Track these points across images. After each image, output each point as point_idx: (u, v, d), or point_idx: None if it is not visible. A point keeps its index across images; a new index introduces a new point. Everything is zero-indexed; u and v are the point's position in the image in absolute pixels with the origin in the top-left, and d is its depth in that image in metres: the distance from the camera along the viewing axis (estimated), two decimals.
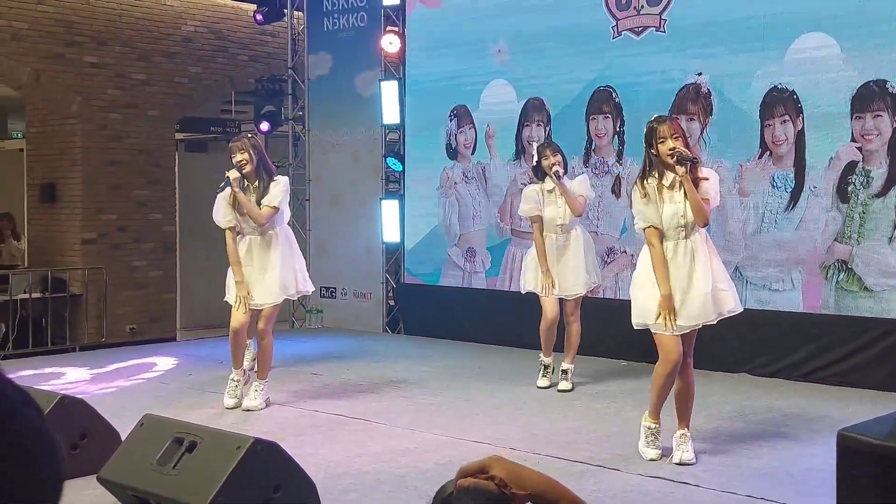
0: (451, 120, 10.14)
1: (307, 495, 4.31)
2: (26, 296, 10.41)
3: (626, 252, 8.73)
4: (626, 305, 8.59)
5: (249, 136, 6.77)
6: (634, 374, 7.74)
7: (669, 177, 5.24)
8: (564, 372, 7.42)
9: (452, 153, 10.18)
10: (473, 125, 9.96)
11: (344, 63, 11.15)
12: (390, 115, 10.52)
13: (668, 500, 4.75)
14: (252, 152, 6.56)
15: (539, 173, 7.25)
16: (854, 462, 2.35)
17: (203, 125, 14.61)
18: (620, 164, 8.82)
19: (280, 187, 6.61)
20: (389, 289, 10.79)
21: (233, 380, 6.87)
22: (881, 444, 2.31)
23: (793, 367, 7.62)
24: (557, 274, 7.22)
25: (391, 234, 10.52)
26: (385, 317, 10.80)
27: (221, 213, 6.73)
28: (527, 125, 9.52)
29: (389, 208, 10.52)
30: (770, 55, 7.83)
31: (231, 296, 6.79)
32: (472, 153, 10.00)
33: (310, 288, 7.07)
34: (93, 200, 10.97)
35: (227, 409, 6.74)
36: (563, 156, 7.19)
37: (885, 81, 7.21)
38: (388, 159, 10.64)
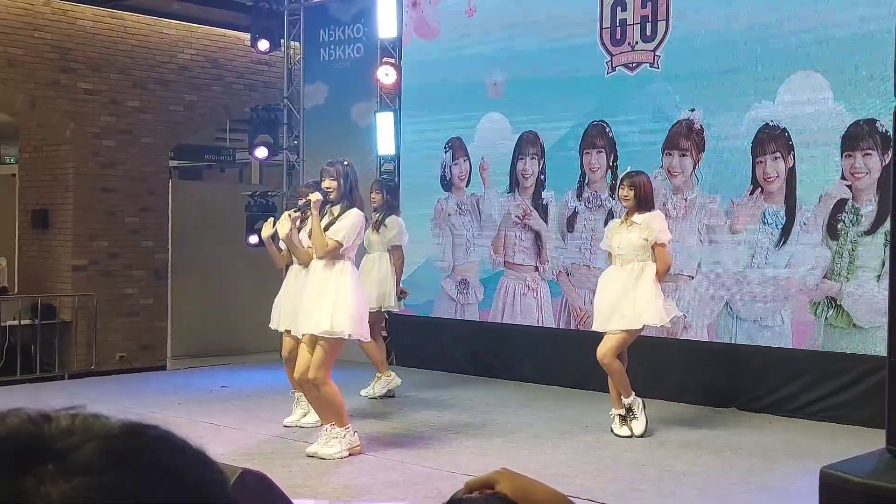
0: (445, 152, 10.19)
1: None
2: (15, 322, 10.37)
3: None
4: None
5: (346, 162, 6.46)
6: None
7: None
8: (621, 417, 6.97)
9: (447, 185, 10.21)
10: (468, 157, 10.00)
11: (340, 93, 11.20)
12: (385, 146, 10.55)
13: None
14: (342, 181, 6.34)
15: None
16: (837, 499, 2.36)
17: (197, 153, 14.66)
18: (613, 199, 8.86)
19: (348, 221, 6.25)
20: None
21: (325, 428, 6.39)
22: (863, 481, 2.32)
23: (782, 402, 7.62)
24: (597, 305, 7.09)
25: None
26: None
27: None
28: (521, 158, 9.56)
29: None
30: (762, 93, 7.89)
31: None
32: (467, 185, 10.03)
33: (360, 337, 6.42)
34: (85, 227, 10.97)
35: (308, 455, 6.30)
36: (635, 189, 6.87)
37: (874, 120, 7.27)
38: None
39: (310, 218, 6.35)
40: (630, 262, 6.84)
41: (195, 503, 0.74)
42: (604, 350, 6.82)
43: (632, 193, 6.84)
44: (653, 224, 6.81)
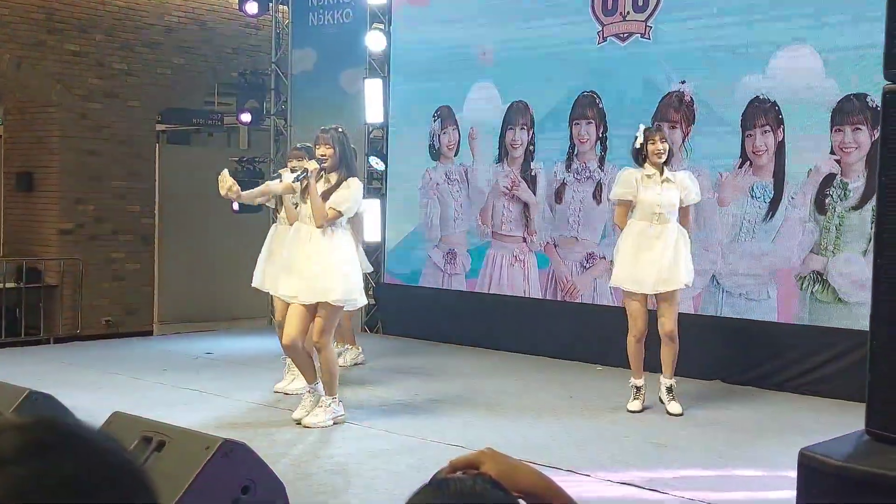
0: (434, 120, 10.13)
1: (276, 496, 4.29)
2: (0, 285, 10.32)
3: (604, 258, 8.74)
4: (602, 310, 8.66)
5: (339, 129, 6.40)
6: (610, 379, 7.75)
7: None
8: (669, 390, 6.75)
9: (435, 154, 10.17)
10: (457, 127, 9.95)
11: (328, 59, 11.12)
12: (374, 113, 10.49)
13: None
14: (337, 148, 6.25)
15: (640, 157, 6.69)
16: (814, 481, 2.36)
17: (185, 117, 14.54)
18: (602, 171, 8.83)
19: (349, 192, 6.20)
20: (369, 288, 10.76)
21: (310, 391, 6.40)
22: (841, 464, 2.32)
23: (766, 375, 7.65)
24: (643, 268, 6.59)
25: (372, 233, 10.48)
26: (364, 316, 10.77)
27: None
28: (510, 128, 9.52)
29: (371, 208, 10.48)
30: (753, 66, 7.85)
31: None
32: (455, 155, 9.99)
33: (355, 303, 6.41)
34: (70, 190, 10.89)
35: (293, 420, 6.32)
36: (668, 143, 6.69)
37: (865, 95, 7.25)
38: (371, 158, 10.61)
39: (307, 186, 6.24)
40: (668, 221, 6.58)
41: (113, 480, 0.87)
42: (673, 320, 6.60)
43: (666, 147, 6.62)
44: (686, 183, 6.68)
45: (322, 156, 6.23)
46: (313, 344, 6.25)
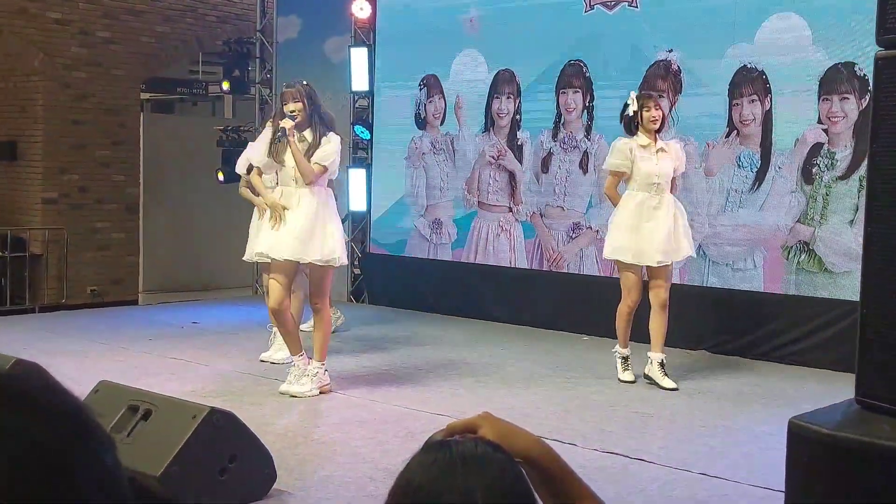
0: (420, 89, 10.08)
1: (263, 465, 4.30)
2: None
3: (591, 227, 8.74)
4: (588, 280, 8.67)
5: (305, 83, 6.27)
6: (595, 349, 7.77)
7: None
8: (661, 365, 6.61)
9: (421, 123, 10.12)
10: (443, 95, 9.90)
11: (313, 27, 11.02)
12: (359, 82, 10.43)
13: (624, 476, 4.78)
14: (306, 101, 6.12)
15: (633, 125, 6.55)
16: (804, 450, 2.36)
17: (169, 86, 14.42)
18: (589, 140, 8.81)
19: (332, 146, 6.13)
20: (355, 258, 10.74)
21: (294, 365, 6.30)
22: (831, 433, 2.33)
23: (752, 345, 7.68)
24: (645, 239, 6.48)
25: (358, 202, 10.46)
26: (350, 285, 10.76)
27: (259, 151, 6.30)
28: (496, 97, 9.47)
29: (356, 177, 10.45)
30: (741, 34, 7.83)
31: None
32: (441, 124, 9.95)
33: (338, 260, 6.25)
34: (54, 160, 10.80)
35: (280, 393, 6.25)
36: (662, 111, 6.59)
37: (853, 64, 7.23)
38: (356, 127, 10.56)
39: (287, 147, 6.14)
40: (664, 191, 6.50)
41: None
42: (667, 290, 6.52)
43: (660, 114, 6.52)
44: (679, 153, 6.64)
45: (291, 111, 6.08)
46: (311, 305, 6.29)
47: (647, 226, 6.49)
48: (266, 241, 6.25)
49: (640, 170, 6.48)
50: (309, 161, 6.09)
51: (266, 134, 6.46)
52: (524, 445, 1.35)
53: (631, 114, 6.53)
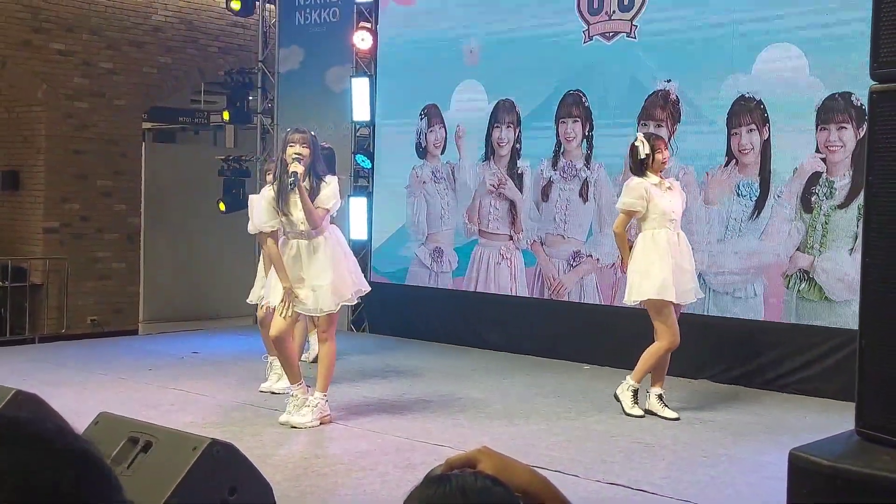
0: (421, 119, 10.13)
1: (263, 498, 4.27)
2: None
3: (591, 256, 8.75)
4: (588, 309, 8.67)
5: (313, 133, 6.33)
6: (596, 379, 7.76)
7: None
8: (660, 398, 6.64)
9: (422, 152, 10.16)
10: (444, 125, 9.95)
11: (315, 57, 11.09)
12: (360, 111, 10.48)
13: None
14: (312, 149, 6.17)
15: (643, 166, 6.54)
16: (805, 482, 2.36)
17: (171, 115, 14.50)
18: (588, 169, 8.84)
19: (331, 189, 6.19)
20: None
21: (293, 395, 6.31)
22: (832, 465, 2.33)
23: (752, 374, 7.67)
24: (681, 277, 6.49)
25: (359, 231, 10.48)
26: (350, 315, 10.76)
27: (266, 215, 6.24)
28: (497, 127, 9.52)
29: (357, 206, 10.48)
30: (738, 65, 7.87)
31: (274, 298, 6.26)
32: (442, 153, 9.99)
33: (366, 287, 6.47)
34: (56, 189, 10.85)
35: (281, 424, 6.25)
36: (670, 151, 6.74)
37: (850, 94, 7.27)
38: (358, 156, 10.60)
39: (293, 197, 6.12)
40: (678, 227, 6.56)
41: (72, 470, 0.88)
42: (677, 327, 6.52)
43: (668, 156, 6.64)
44: (682, 190, 6.74)
45: (298, 154, 6.11)
46: (319, 335, 6.40)
47: (679, 264, 6.51)
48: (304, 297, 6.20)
49: (658, 207, 6.47)
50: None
51: (266, 191, 6.42)
52: (523, 479, 1.36)
53: (643, 156, 6.53)
